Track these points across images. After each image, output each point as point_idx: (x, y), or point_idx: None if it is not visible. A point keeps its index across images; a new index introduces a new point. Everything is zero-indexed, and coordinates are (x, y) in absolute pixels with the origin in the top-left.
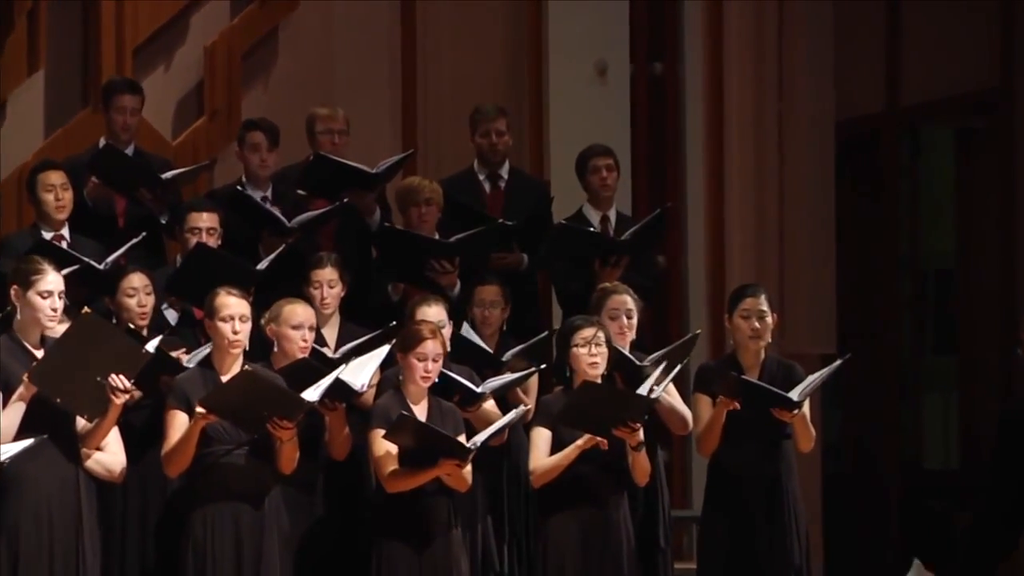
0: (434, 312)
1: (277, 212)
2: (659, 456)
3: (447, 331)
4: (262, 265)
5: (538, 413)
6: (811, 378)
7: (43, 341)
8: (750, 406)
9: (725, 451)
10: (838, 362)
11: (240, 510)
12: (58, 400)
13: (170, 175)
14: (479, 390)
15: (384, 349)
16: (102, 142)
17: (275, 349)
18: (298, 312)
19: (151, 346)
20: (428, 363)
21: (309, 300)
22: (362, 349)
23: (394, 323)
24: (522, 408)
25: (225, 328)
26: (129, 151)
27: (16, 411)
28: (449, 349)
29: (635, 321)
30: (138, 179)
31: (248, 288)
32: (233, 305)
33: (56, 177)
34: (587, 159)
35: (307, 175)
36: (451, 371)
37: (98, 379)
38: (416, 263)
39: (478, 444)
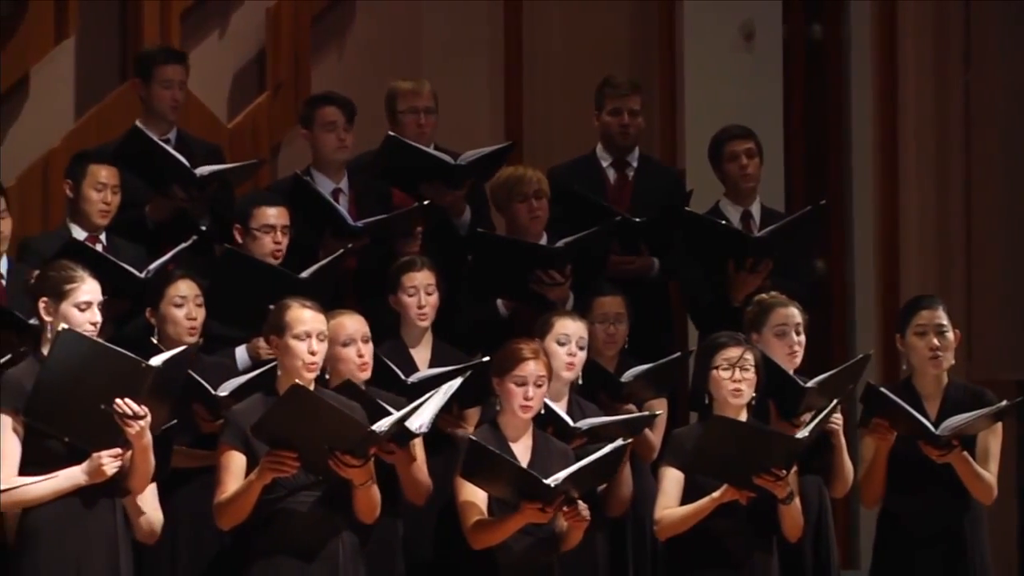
0: (576, 328)
1: (341, 208)
2: (828, 505)
3: (584, 355)
4: (306, 274)
5: (668, 450)
6: (966, 416)
7: None
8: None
9: (895, 500)
10: (1003, 404)
11: (305, 571)
12: (65, 438)
13: (206, 171)
14: (575, 425)
15: (455, 383)
16: (137, 124)
17: (328, 375)
18: (345, 325)
19: (158, 360)
20: (529, 388)
21: (400, 310)
22: (440, 381)
23: (486, 358)
24: (619, 443)
25: (300, 347)
26: (171, 135)
27: (13, 443)
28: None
29: (804, 339)
30: (170, 173)
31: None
32: (309, 320)
33: (109, 175)
34: (722, 143)
35: (379, 161)
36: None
37: (101, 407)
38: (518, 274)
39: (559, 481)
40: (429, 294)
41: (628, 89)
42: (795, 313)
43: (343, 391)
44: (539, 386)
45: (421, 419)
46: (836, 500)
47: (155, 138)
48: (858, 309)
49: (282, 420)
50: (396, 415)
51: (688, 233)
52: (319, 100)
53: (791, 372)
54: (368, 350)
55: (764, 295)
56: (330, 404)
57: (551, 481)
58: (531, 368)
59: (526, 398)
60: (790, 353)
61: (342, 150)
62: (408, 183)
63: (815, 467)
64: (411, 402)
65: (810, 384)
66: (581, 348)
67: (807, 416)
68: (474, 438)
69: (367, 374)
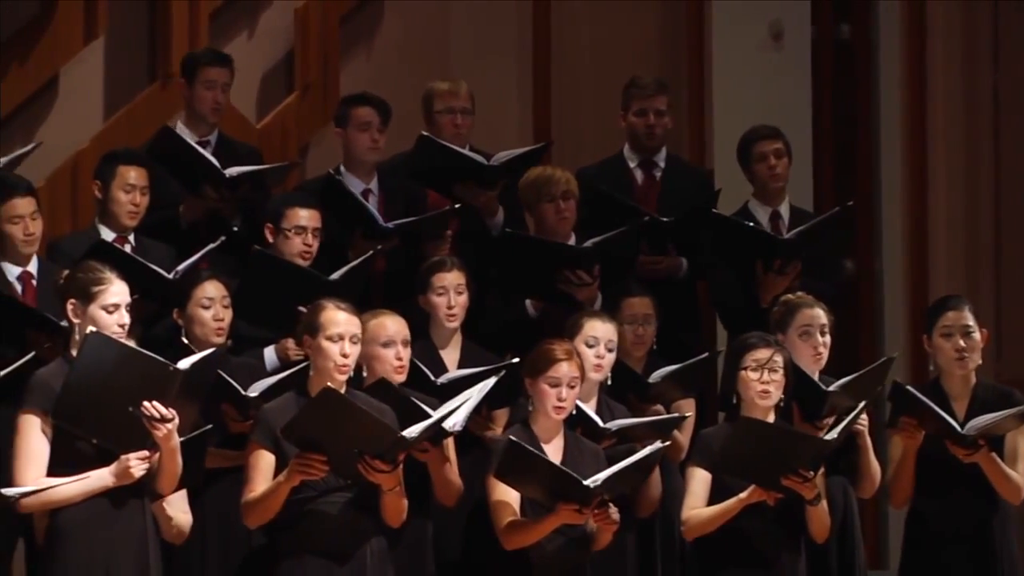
0: (605, 330)
1: (373, 208)
2: (854, 505)
3: (612, 356)
4: (336, 275)
5: (696, 450)
6: (993, 416)
7: None
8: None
9: (923, 500)
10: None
11: (333, 572)
12: (93, 440)
13: (236, 172)
14: (605, 426)
15: (489, 383)
16: (179, 127)
17: (364, 374)
18: (387, 325)
19: (185, 363)
20: (563, 390)
21: (430, 311)
22: (470, 382)
23: (516, 359)
24: (657, 445)
25: (332, 349)
26: (212, 138)
27: (42, 444)
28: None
29: (829, 340)
30: (200, 173)
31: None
32: (343, 322)
33: (138, 176)
34: (751, 143)
35: (414, 161)
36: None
37: (129, 409)
38: (546, 274)
39: (598, 482)
40: (459, 294)
41: (654, 89)
42: (820, 314)
43: (377, 389)
44: (572, 387)
45: (456, 418)
46: (864, 501)
47: (185, 138)
48: (886, 309)
49: (312, 423)
50: (427, 422)
51: (716, 235)
52: (355, 100)
53: (816, 373)
54: (407, 354)
55: (790, 296)
56: (361, 408)
57: (590, 482)
58: (565, 369)
59: (560, 399)
60: (815, 355)
61: (374, 151)
62: (442, 184)
63: (841, 468)
64: (441, 402)
65: (832, 388)
66: (610, 350)
67: (830, 419)
68: (513, 439)
69: (403, 377)
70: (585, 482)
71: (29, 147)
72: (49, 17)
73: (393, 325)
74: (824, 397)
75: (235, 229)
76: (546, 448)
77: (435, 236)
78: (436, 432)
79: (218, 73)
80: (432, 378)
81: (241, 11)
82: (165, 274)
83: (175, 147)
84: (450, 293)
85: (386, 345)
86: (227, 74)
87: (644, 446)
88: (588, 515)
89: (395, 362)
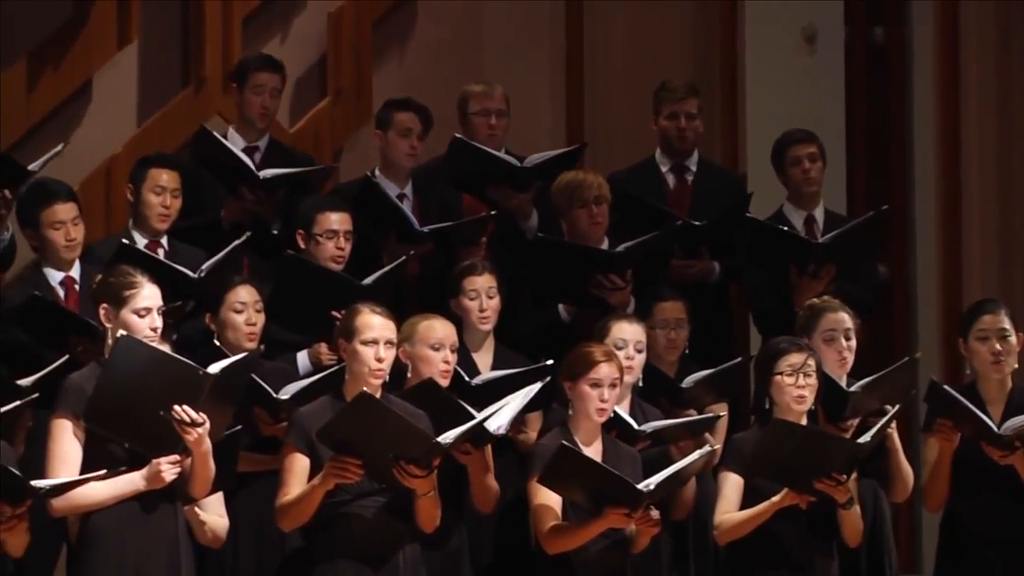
0: (633, 332)
1: (409, 212)
2: (885, 508)
3: (642, 357)
4: (368, 280)
5: (728, 454)
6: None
7: None
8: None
9: (958, 503)
10: None
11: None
12: (125, 443)
13: (270, 174)
14: (640, 428)
15: (534, 388)
16: (230, 132)
17: (409, 375)
18: (437, 328)
19: (216, 368)
20: (604, 391)
21: (461, 315)
22: (505, 383)
23: (550, 361)
24: (707, 449)
25: (367, 353)
26: (261, 143)
27: (74, 447)
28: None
29: (854, 344)
30: (237, 174)
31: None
32: (378, 327)
33: (169, 179)
34: (785, 147)
35: (447, 164)
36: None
37: (160, 413)
38: (579, 278)
39: (651, 487)
40: (491, 298)
41: (684, 93)
42: (845, 318)
43: (423, 389)
44: (613, 387)
45: (499, 421)
46: (898, 504)
47: (232, 142)
48: (920, 313)
49: (348, 427)
50: (464, 426)
51: (750, 239)
52: (399, 104)
53: (843, 377)
54: (454, 359)
55: (815, 300)
56: (396, 413)
57: (643, 487)
58: (605, 370)
59: (602, 400)
60: (840, 359)
61: (411, 158)
62: (475, 187)
63: (870, 471)
64: (476, 403)
65: (853, 388)
66: (639, 351)
67: (854, 420)
68: (565, 443)
69: (447, 382)
70: (638, 486)
71: (57, 148)
72: (82, 22)
73: (443, 329)
74: (846, 398)
75: (274, 232)
76: (586, 451)
77: (470, 241)
78: (478, 434)
79: (266, 78)
80: (467, 379)
81: (274, 15)
82: (190, 273)
83: (212, 148)
84: (482, 296)
85: (435, 348)
86: (276, 79)
87: (679, 448)
88: (635, 519)
89: (442, 366)
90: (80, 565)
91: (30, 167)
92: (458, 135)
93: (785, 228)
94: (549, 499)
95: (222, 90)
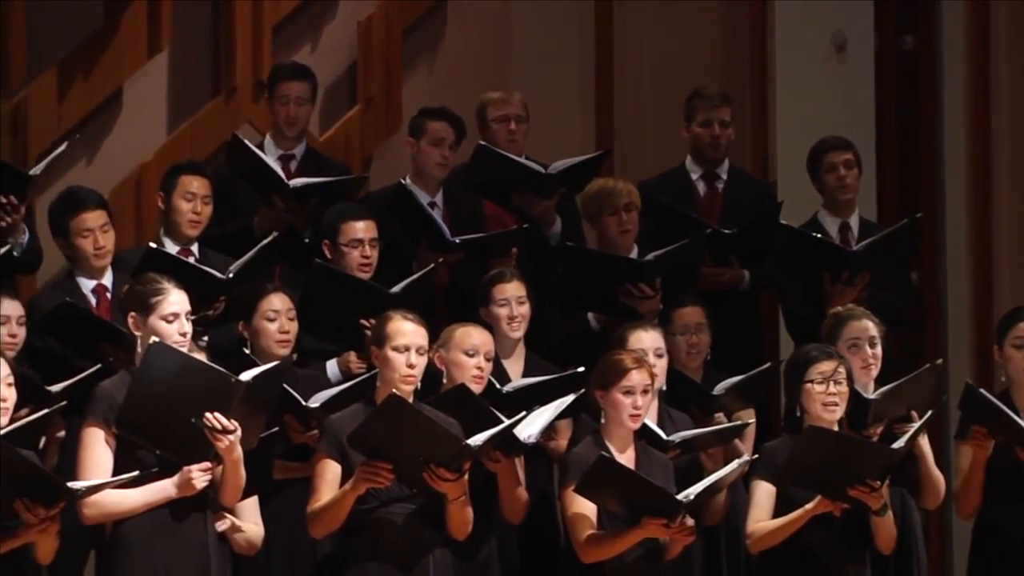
0: (651, 339)
1: (440, 221)
2: (914, 515)
3: (664, 362)
4: (397, 288)
5: (759, 463)
6: None
7: None
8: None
9: (991, 510)
10: None
11: None
12: (157, 450)
13: (300, 183)
14: (669, 438)
15: (568, 399)
16: (266, 140)
17: (444, 381)
18: (472, 335)
19: (248, 375)
20: (637, 398)
21: (492, 323)
22: (536, 391)
23: (581, 368)
24: (745, 459)
25: (398, 359)
26: (297, 151)
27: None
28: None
29: (880, 351)
30: (269, 182)
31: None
32: (410, 333)
33: (199, 186)
34: (821, 154)
35: (471, 171)
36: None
37: (191, 420)
38: (608, 287)
39: (691, 497)
40: (520, 304)
41: (719, 100)
42: (869, 326)
43: (456, 394)
44: (645, 393)
45: (531, 429)
46: (930, 512)
47: (251, 146)
48: (951, 321)
49: (378, 430)
50: (492, 430)
51: (784, 247)
52: (433, 113)
53: (870, 385)
54: (488, 367)
55: (839, 308)
56: (427, 416)
57: (682, 497)
58: (637, 378)
59: (635, 407)
60: (865, 367)
61: (443, 167)
62: (499, 194)
63: (899, 478)
64: (506, 411)
65: (873, 395)
66: (659, 356)
67: (877, 427)
68: (605, 454)
69: (480, 388)
70: (678, 497)
71: (59, 148)
72: (113, 31)
73: (480, 336)
74: (866, 405)
75: (307, 241)
76: (620, 458)
77: (501, 254)
78: (508, 442)
79: (291, 87)
80: (498, 386)
81: (304, 24)
82: (217, 274)
83: (244, 156)
84: (512, 303)
85: (469, 353)
86: (302, 87)
87: (709, 455)
88: (673, 529)
89: (475, 371)
90: (108, 572)
91: (31, 171)
92: (482, 142)
93: (819, 236)
94: (585, 508)
95: (252, 98)
